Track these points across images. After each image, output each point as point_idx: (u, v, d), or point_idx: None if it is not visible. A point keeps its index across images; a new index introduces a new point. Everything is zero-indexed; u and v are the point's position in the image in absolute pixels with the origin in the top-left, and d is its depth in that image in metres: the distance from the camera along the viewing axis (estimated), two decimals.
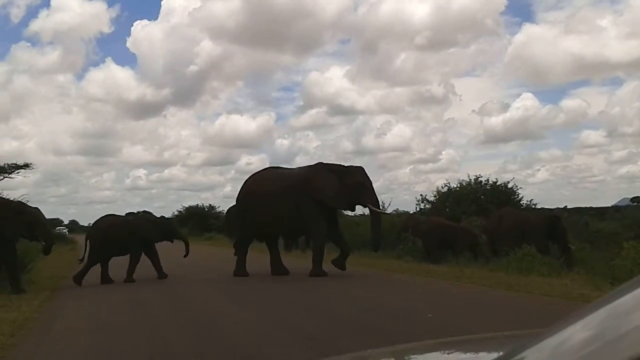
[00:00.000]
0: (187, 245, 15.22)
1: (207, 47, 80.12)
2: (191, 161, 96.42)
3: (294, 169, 15.21)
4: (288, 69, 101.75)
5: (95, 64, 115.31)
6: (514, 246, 13.56)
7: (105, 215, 15.18)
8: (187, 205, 50.57)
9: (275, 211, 13.64)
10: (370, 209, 13.86)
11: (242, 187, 15.22)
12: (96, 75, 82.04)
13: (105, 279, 13.84)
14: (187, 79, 77.78)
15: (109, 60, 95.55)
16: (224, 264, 15.14)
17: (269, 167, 15.75)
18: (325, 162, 14.42)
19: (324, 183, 13.44)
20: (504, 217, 16.73)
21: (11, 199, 13.59)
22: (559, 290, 9.21)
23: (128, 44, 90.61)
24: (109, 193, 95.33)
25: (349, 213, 36.20)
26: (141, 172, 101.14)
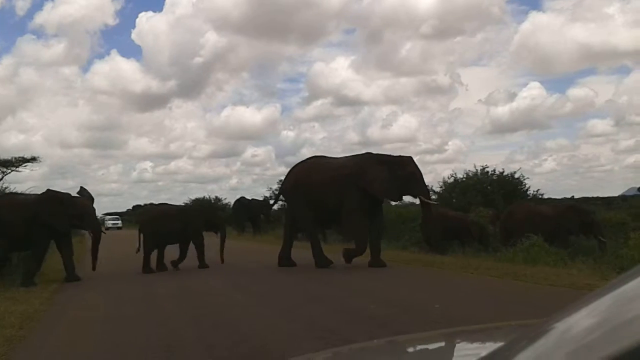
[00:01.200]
0: (222, 239, 15.23)
1: (211, 39, 79.98)
2: (197, 153, 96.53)
3: (340, 158, 14.74)
4: (293, 59, 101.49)
5: (101, 57, 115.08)
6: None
7: (157, 205, 15.48)
8: (193, 198, 50.78)
9: (325, 201, 13.30)
10: (421, 200, 13.50)
11: (288, 176, 14.93)
12: (101, 68, 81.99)
13: (160, 265, 14.24)
14: (192, 70, 77.74)
15: (114, 52, 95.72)
16: (232, 256, 15.17)
17: (315, 156, 15.15)
18: (373, 152, 14.12)
19: (376, 175, 13.04)
20: (516, 210, 16.82)
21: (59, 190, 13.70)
22: (566, 280, 9.20)
23: (133, 36, 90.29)
24: (115, 185, 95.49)
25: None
26: (147, 164, 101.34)
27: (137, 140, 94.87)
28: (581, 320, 0.56)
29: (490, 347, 1.40)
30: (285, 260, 14.06)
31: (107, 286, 11.65)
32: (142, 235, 14.43)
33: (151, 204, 15.73)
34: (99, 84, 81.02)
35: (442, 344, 1.88)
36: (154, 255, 14.27)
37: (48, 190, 13.55)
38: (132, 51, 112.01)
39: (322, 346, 5.15)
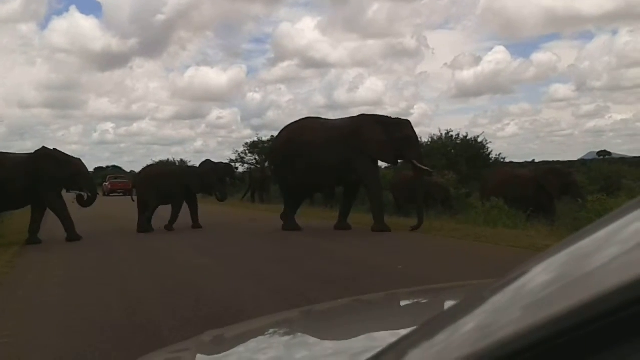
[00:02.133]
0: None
1: None
2: (160, 115, 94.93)
3: (336, 119, 14.33)
4: (259, 19, 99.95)
5: (59, 13, 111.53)
6: (505, 203, 13.77)
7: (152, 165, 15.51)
8: (157, 160, 50.08)
9: (318, 163, 12.88)
10: (414, 165, 13.06)
11: (278, 138, 14.51)
12: (60, 25, 79.50)
13: (143, 227, 14.24)
14: (155, 28, 75.93)
15: (73, 8, 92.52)
16: (203, 220, 15.09)
17: (308, 117, 14.59)
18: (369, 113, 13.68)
19: (372, 135, 12.70)
20: (493, 175, 17.05)
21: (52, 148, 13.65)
22: (525, 241, 9.47)
23: None
24: (76, 147, 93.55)
25: None
26: (109, 125, 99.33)
27: (98, 100, 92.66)
28: (537, 276, 0.57)
29: (450, 304, 1.43)
30: (290, 223, 13.63)
31: (70, 249, 11.50)
32: (137, 194, 14.72)
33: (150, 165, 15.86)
34: (58, 41, 78.39)
35: (405, 302, 1.91)
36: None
37: (43, 147, 13.52)
38: (91, 8, 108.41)
39: (287, 307, 5.20)
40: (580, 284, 0.48)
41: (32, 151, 13.40)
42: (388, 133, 12.72)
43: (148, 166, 15.95)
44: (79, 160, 13.77)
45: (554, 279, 0.54)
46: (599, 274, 0.47)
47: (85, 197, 13.68)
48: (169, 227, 14.30)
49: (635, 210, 0.51)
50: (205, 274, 7.93)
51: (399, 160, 13.67)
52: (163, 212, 14.52)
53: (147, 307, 5.97)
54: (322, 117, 14.60)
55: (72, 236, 12.67)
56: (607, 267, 0.47)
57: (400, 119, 13.46)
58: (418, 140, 13.46)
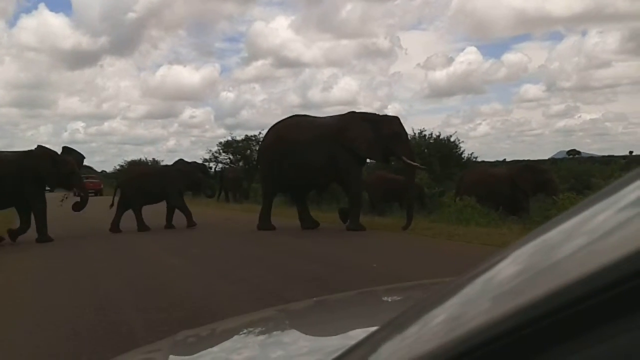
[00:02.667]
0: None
1: None
2: (131, 114, 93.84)
3: (324, 117, 14.11)
4: (232, 18, 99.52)
5: (27, 11, 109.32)
6: (480, 202, 13.88)
7: (135, 164, 15.41)
8: (128, 160, 49.39)
9: (308, 161, 12.75)
10: (404, 162, 12.89)
11: (267, 136, 14.30)
12: (29, 23, 78.01)
13: (141, 227, 14.30)
14: (125, 27, 75.01)
15: (41, 6, 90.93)
16: (162, 221, 14.95)
17: (296, 115, 14.34)
18: (357, 111, 13.51)
19: (358, 133, 12.55)
20: (468, 174, 17.14)
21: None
22: (497, 239, 9.60)
23: None
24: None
25: None
26: (79, 124, 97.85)
27: (68, 99, 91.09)
28: (505, 268, 0.58)
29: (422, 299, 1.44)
30: (305, 222, 13.58)
31: (39, 249, 11.30)
32: (120, 194, 14.68)
33: (131, 163, 15.92)
34: (27, 39, 76.83)
35: (379, 299, 1.93)
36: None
37: (39, 146, 13.59)
38: (61, 5, 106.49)
39: (262, 307, 5.19)
40: (547, 274, 0.49)
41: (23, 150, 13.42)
42: (376, 130, 12.59)
43: (132, 166, 15.84)
44: (72, 159, 13.83)
45: (521, 270, 0.55)
46: (566, 264, 0.48)
47: (79, 198, 13.81)
48: (169, 226, 14.55)
49: (600, 202, 0.53)
50: (179, 274, 7.87)
51: (390, 158, 13.49)
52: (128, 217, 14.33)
53: (120, 308, 5.89)
54: (310, 115, 14.42)
55: (44, 238, 12.56)
56: (573, 257, 0.49)
57: (388, 115, 13.35)
58: (407, 137, 13.35)
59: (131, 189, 14.55)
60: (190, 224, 14.61)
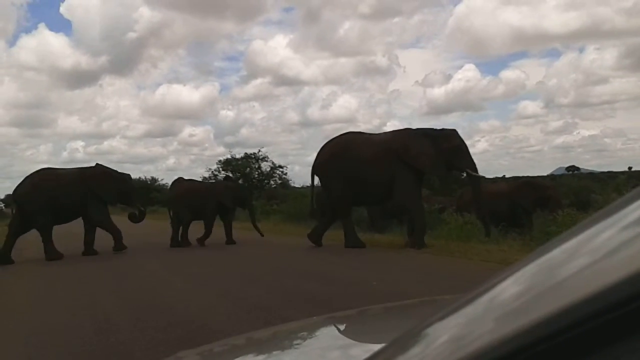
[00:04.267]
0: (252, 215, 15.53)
1: (145, 14, 77.64)
2: (131, 132, 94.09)
3: (381, 134, 13.90)
4: (231, 37, 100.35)
5: (27, 31, 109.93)
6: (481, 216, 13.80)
7: (183, 180, 15.91)
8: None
9: (366, 178, 12.45)
10: (469, 174, 12.75)
11: (321, 152, 13.68)
12: (28, 43, 78.52)
13: (183, 241, 14.64)
14: (125, 46, 75.50)
15: (41, 26, 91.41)
16: (167, 238, 14.90)
17: (351, 132, 14.02)
18: (413, 128, 13.23)
19: (421, 149, 12.29)
20: (467, 191, 17.04)
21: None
22: (497, 256, 9.57)
23: (62, 10, 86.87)
24: (45, 166, 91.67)
25: (296, 185, 36.29)
26: (79, 144, 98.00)
27: (67, 118, 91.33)
28: (509, 287, 0.57)
29: (423, 319, 1.43)
30: (316, 237, 13.32)
31: (40, 268, 11.29)
32: (171, 211, 14.97)
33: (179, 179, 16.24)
34: (26, 59, 77.25)
35: (379, 318, 1.91)
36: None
37: (97, 164, 14.38)
38: (61, 25, 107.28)
39: (261, 326, 5.15)
40: (551, 293, 0.49)
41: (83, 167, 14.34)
42: (436, 145, 12.40)
43: (179, 182, 16.14)
44: (129, 176, 14.72)
45: (525, 289, 0.54)
46: (570, 284, 0.48)
47: (137, 212, 14.55)
48: (201, 242, 14.56)
49: (602, 221, 0.52)
50: (178, 292, 7.82)
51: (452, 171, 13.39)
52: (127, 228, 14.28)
53: (119, 327, 5.85)
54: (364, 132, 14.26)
55: (119, 247, 13.55)
56: (577, 276, 0.48)
57: (445, 129, 13.10)
58: (468, 149, 12.96)
59: (179, 205, 14.77)
60: (230, 241, 14.76)
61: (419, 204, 12.63)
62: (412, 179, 12.42)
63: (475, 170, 12.86)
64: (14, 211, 13.92)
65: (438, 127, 13.20)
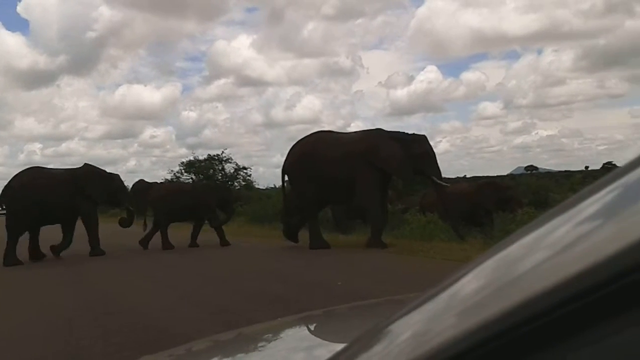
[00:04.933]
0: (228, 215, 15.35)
1: (105, 13, 76.20)
2: (90, 134, 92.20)
3: (351, 133, 13.88)
4: (193, 37, 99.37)
5: None
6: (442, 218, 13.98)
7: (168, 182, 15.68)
8: None
9: (334, 178, 12.38)
10: (434, 182, 12.70)
11: (291, 152, 13.64)
12: None
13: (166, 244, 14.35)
14: (84, 46, 73.88)
15: None
16: (128, 241, 14.66)
17: (321, 131, 14.02)
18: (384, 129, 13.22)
19: (390, 152, 12.25)
20: (430, 191, 17.22)
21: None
22: (459, 254, 9.72)
23: (19, 9, 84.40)
24: (1, 169, 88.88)
25: (261, 186, 36.09)
26: (36, 146, 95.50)
27: (24, 120, 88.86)
28: (469, 283, 0.58)
29: (386, 318, 1.44)
30: (292, 237, 13.51)
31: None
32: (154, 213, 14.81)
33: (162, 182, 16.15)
34: None
35: (344, 318, 1.91)
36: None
37: (86, 164, 14.24)
38: (17, 25, 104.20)
39: (225, 328, 5.11)
40: (510, 288, 0.50)
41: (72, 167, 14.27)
42: (406, 149, 12.38)
43: (161, 184, 15.97)
44: (118, 176, 14.55)
45: (485, 284, 0.55)
46: (528, 278, 0.49)
47: (126, 213, 14.61)
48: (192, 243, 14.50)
49: (558, 216, 0.53)
50: (141, 295, 7.69)
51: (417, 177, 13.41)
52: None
53: (80, 331, 5.71)
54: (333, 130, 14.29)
55: (97, 251, 13.33)
56: (535, 271, 0.49)
57: (416, 134, 13.14)
58: (435, 156, 12.96)
59: (161, 206, 14.57)
60: (224, 242, 14.50)
61: (376, 205, 12.56)
62: (373, 180, 12.37)
63: (440, 178, 12.97)
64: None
65: (401, 129, 13.41)
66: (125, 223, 14.59)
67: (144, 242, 14.38)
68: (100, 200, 13.76)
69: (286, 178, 13.88)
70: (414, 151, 12.38)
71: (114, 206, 15.08)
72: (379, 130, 13.22)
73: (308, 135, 13.85)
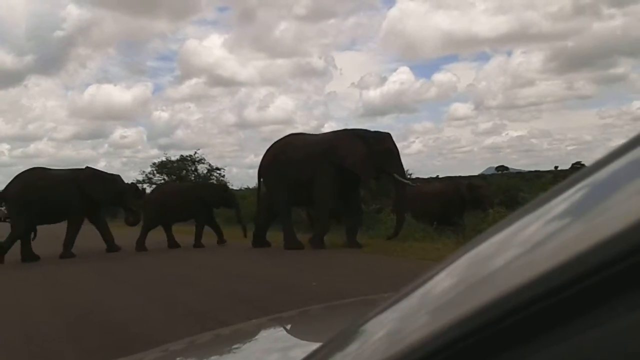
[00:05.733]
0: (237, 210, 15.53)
1: (74, 12, 74.92)
2: (59, 134, 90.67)
3: (319, 135, 14.02)
4: (164, 36, 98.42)
5: None
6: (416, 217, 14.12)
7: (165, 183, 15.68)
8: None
9: (301, 179, 12.50)
10: (395, 179, 12.59)
11: (265, 154, 13.84)
12: None
13: (171, 243, 14.70)
14: (52, 45, 72.59)
15: None
16: (99, 243, 14.43)
17: (293, 134, 14.29)
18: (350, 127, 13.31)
19: (351, 149, 12.26)
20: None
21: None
22: (433, 253, 9.81)
23: None
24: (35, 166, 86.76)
25: (234, 187, 35.89)
26: (3, 147, 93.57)
27: None
28: (442, 281, 0.58)
29: (360, 317, 1.45)
30: (260, 240, 13.49)
31: None
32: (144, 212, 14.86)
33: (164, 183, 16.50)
34: None
35: (319, 318, 1.91)
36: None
37: (87, 167, 14.67)
38: None
39: (199, 331, 5.06)
40: (483, 285, 0.50)
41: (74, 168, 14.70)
42: (368, 146, 12.34)
43: (158, 185, 16.13)
44: (120, 177, 14.80)
45: (457, 282, 0.55)
46: (500, 276, 0.49)
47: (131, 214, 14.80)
48: (197, 245, 14.38)
49: (529, 214, 0.54)
50: (113, 298, 7.58)
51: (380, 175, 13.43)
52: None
53: (51, 337, 5.60)
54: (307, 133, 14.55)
55: (112, 248, 13.97)
56: (507, 268, 0.50)
57: (380, 132, 13.11)
58: (399, 154, 12.91)
59: (154, 206, 14.62)
60: (222, 241, 14.78)
61: (326, 204, 12.61)
62: (328, 180, 12.36)
63: (404, 176, 13.05)
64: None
65: (375, 129, 13.31)
66: (130, 222, 14.87)
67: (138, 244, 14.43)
68: (102, 200, 14.03)
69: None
70: (376, 148, 12.37)
71: (119, 207, 15.40)
72: (344, 130, 13.38)
73: (281, 138, 14.04)
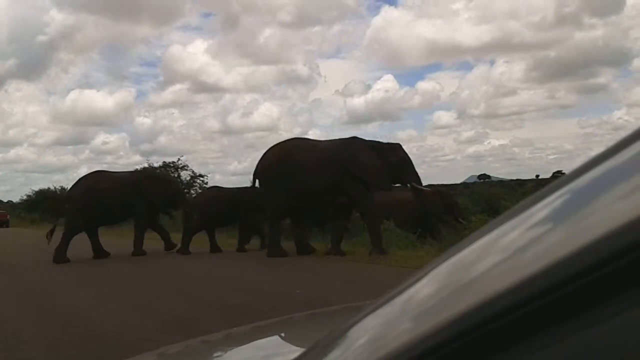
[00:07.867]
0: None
1: (56, 16, 74.34)
2: (40, 140, 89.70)
3: (327, 141, 13.66)
4: (147, 42, 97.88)
5: None
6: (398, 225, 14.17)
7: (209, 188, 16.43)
8: (36, 189, 46.91)
9: (311, 184, 12.20)
10: (413, 188, 12.78)
11: (265, 156, 13.38)
12: None
13: (214, 248, 14.76)
14: (34, 50, 71.88)
15: None
16: (83, 249, 14.27)
17: (296, 138, 14.08)
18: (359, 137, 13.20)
19: (367, 160, 12.24)
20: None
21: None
22: (415, 261, 9.85)
23: None
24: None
25: None
26: None
27: None
28: (424, 287, 0.59)
29: (343, 324, 1.44)
30: (276, 249, 12.82)
31: None
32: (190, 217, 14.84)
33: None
34: None
35: (302, 325, 1.91)
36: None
37: (144, 168, 15.70)
38: None
39: (180, 339, 5.01)
40: (465, 291, 0.50)
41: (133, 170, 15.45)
42: (382, 158, 12.39)
43: (204, 190, 16.31)
44: (176, 179, 15.72)
45: (439, 288, 0.56)
46: (482, 281, 0.50)
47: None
48: (241, 249, 14.43)
49: (511, 220, 0.55)
50: (93, 305, 7.48)
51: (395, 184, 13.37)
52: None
53: (30, 343, 5.50)
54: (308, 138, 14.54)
55: (138, 252, 14.14)
56: (489, 274, 0.50)
57: (391, 143, 13.18)
58: (412, 163, 13.02)
59: (200, 210, 14.69)
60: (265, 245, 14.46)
61: (375, 212, 12.61)
62: (362, 186, 12.29)
63: (420, 183, 13.08)
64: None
65: (359, 136, 13.31)
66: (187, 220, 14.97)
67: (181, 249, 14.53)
68: (159, 202, 14.42)
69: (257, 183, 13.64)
70: (391, 159, 12.48)
71: (172, 209, 15.51)
72: (354, 138, 13.19)
73: (283, 141, 13.71)
